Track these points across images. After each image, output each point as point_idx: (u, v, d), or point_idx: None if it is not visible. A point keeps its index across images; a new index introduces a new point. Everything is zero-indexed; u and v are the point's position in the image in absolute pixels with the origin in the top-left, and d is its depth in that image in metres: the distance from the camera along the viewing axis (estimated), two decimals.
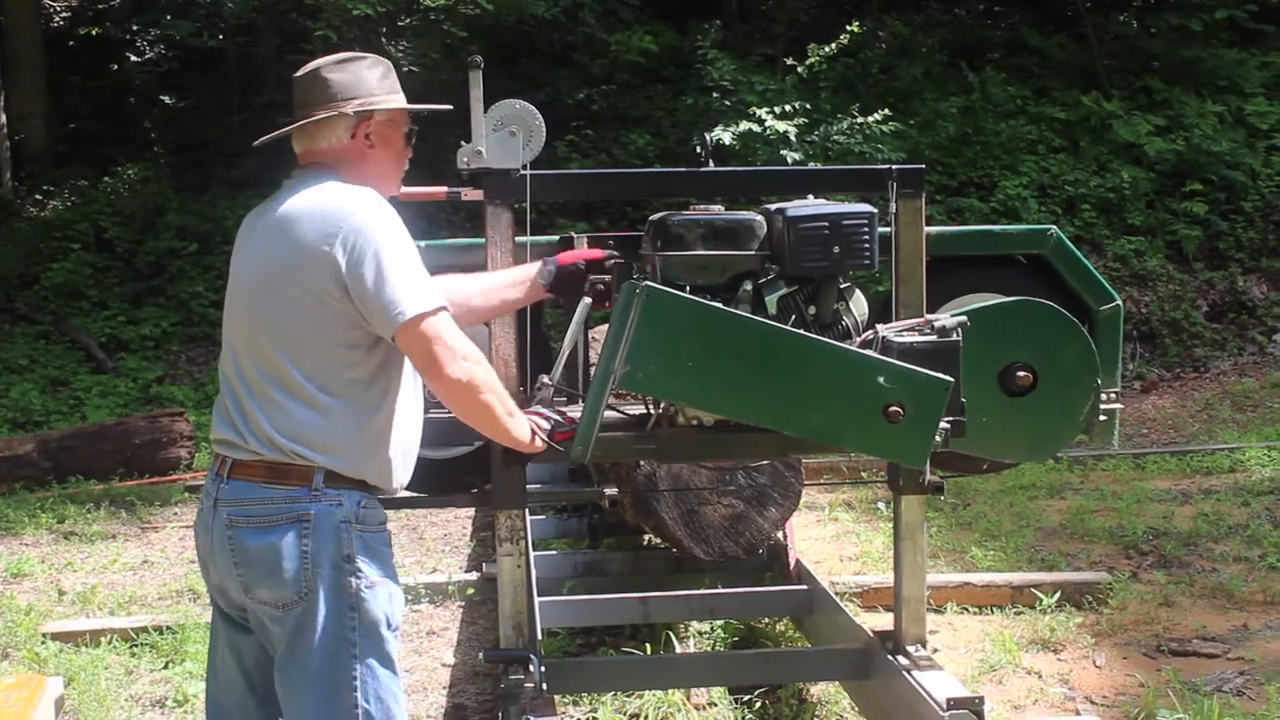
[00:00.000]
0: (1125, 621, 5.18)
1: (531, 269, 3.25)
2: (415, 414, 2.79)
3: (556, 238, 3.85)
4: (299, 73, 2.78)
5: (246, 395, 2.64)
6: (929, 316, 3.27)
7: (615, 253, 3.30)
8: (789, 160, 10.42)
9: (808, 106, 11.17)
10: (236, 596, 2.67)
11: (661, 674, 4.09)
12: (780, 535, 5.05)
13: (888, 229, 3.44)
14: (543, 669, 3.41)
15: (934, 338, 3.10)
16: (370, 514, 2.66)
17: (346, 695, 2.60)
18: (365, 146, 2.75)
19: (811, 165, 10.07)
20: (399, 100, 2.80)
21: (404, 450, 2.73)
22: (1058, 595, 5.33)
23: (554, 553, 5.56)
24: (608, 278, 3.21)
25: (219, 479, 2.66)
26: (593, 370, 3.07)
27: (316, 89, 2.73)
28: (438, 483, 3.70)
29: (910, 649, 3.61)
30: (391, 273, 2.54)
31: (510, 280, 3.24)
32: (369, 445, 2.64)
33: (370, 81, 2.75)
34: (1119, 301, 3.77)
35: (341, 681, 2.59)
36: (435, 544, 6.88)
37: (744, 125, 10.74)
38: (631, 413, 3.30)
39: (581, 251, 3.31)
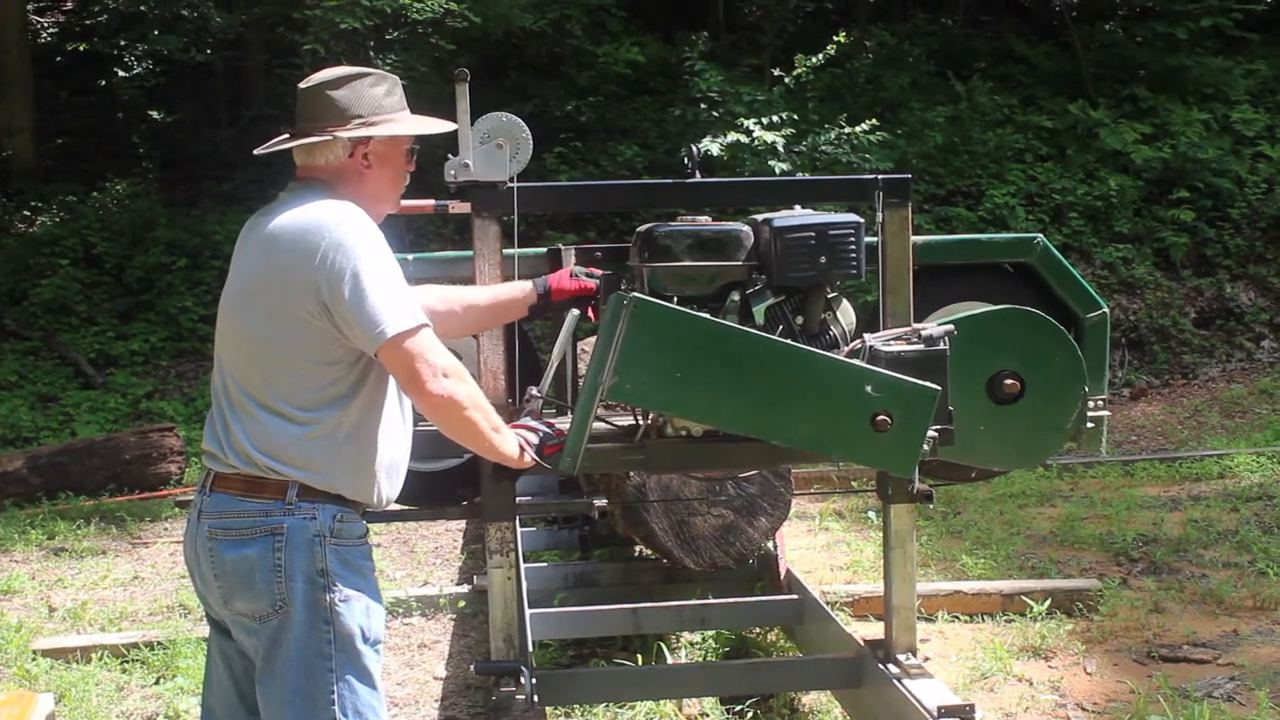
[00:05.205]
0: (1116, 628, 5.19)
1: (525, 285, 3.27)
2: (400, 429, 2.78)
3: (544, 250, 3.87)
4: (303, 84, 2.77)
5: (229, 409, 2.65)
6: (916, 325, 3.30)
7: (599, 280, 3.29)
8: (776, 171, 10.45)
9: (795, 117, 11.20)
10: (218, 607, 2.69)
11: (653, 684, 4.10)
12: (770, 545, 5.05)
13: (875, 239, 3.45)
14: (534, 681, 3.41)
15: (921, 346, 3.12)
16: (347, 528, 2.65)
17: (325, 710, 2.59)
18: (363, 166, 2.73)
19: (799, 175, 10.10)
20: (400, 119, 2.77)
21: (388, 465, 2.72)
22: (1048, 602, 5.34)
23: (545, 564, 5.56)
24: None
25: (203, 491, 2.68)
26: (581, 381, 3.08)
27: (317, 105, 2.71)
28: (428, 496, 3.70)
29: (901, 657, 3.62)
30: (371, 290, 2.53)
31: (506, 290, 3.26)
32: (347, 460, 2.64)
33: (372, 100, 2.73)
34: (1105, 309, 3.78)
35: (319, 696, 2.59)
36: (426, 557, 6.88)
37: (732, 136, 10.76)
38: (620, 424, 3.31)
39: (572, 281, 3.29)
